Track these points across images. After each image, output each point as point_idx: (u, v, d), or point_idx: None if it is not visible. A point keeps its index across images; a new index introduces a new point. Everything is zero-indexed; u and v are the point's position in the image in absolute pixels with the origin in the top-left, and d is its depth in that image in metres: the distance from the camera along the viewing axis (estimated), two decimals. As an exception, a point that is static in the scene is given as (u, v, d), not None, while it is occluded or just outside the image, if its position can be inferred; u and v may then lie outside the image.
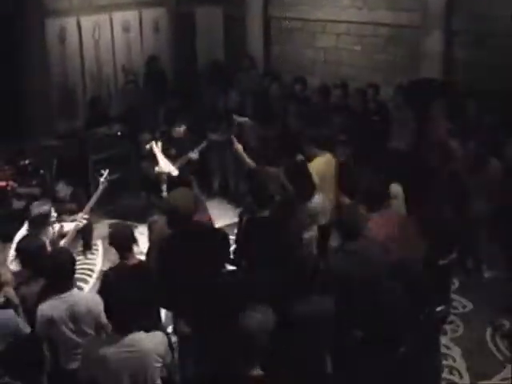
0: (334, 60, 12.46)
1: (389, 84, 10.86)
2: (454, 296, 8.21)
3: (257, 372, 3.87)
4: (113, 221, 9.11)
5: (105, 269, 6.06)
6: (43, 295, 5.07)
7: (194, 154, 9.28)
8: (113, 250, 5.85)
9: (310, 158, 7.70)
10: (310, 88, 11.47)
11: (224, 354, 5.18)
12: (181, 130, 9.26)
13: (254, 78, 12.23)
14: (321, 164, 7.69)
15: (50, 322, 4.90)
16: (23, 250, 5.61)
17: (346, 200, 7.63)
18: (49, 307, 4.95)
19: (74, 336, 4.95)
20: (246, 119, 10.41)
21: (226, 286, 5.25)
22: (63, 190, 8.84)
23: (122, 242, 5.69)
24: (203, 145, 9.55)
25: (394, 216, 6.34)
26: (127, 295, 4.26)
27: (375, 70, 11.69)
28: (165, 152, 8.98)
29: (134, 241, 5.81)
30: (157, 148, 8.90)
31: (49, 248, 5.88)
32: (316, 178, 7.13)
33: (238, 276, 5.62)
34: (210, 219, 7.32)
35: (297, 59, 12.90)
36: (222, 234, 5.81)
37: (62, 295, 4.97)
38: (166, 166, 8.77)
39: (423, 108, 9.90)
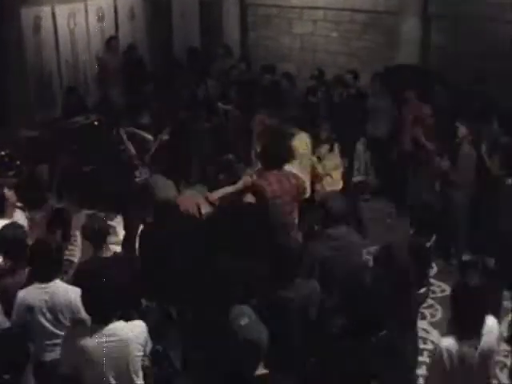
0: (310, 47, 12.48)
1: (366, 71, 10.89)
2: (432, 280, 8.28)
3: (260, 371, 3.87)
4: (91, 211, 9.06)
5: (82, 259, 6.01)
6: (27, 285, 5.03)
7: (164, 135, 9.29)
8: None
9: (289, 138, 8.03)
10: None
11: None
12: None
13: (229, 66, 12.18)
14: (301, 143, 8.17)
15: (29, 309, 4.88)
16: (3, 238, 5.55)
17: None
18: (28, 295, 4.92)
19: (51, 327, 4.92)
20: (231, 107, 10.44)
21: (213, 273, 5.24)
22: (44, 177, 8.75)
23: (95, 234, 5.67)
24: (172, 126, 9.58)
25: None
26: (102, 286, 4.22)
27: (352, 57, 11.75)
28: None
29: (109, 232, 5.79)
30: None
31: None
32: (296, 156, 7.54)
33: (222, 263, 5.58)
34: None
35: (273, 46, 12.90)
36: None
37: (43, 284, 4.94)
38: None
39: (400, 94, 9.97)
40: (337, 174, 8.54)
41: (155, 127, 9.51)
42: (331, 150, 8.56)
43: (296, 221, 6.86)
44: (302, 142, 8.32)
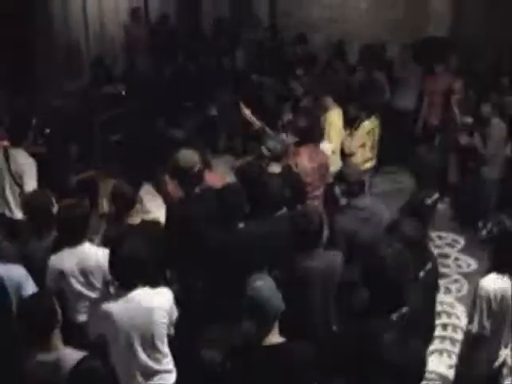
0: (340, 17, 12.33)
1: (395, 42, 10.76)
2: (458, 255, 8.25)
3: (275, 339, 3.89)
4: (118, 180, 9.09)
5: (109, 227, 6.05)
6: (54, 249, 5.07)
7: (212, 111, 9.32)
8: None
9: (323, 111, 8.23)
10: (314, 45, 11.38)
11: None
12: None
13: (259, 37, 12.10)
14: (335, 116, 8.22)
15: (61, 274, 4.92)
16: (31, 203, 5.60)
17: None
18: (60, 259, 4.96)
19: (83, 289, 4.97)
20: (266, 78, 10.41)
21: (237, 241, 5.25)
22: (73, 147, 8.78)
23: (123, 201, 5.70)
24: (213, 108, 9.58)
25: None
26: (129, 253, 4.28)
27: (381, 28, 11.58)
28: None
29: (136, 200, 5.80)
30: None
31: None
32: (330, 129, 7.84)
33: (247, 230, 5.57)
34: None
35: (302, 16, 12.76)
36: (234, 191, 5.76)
37: (73, 248, 4.98)
38: None
39: (430, 67, 9.86)
40: (364, 152, 8.42)
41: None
42: (358, 127, 8.42)
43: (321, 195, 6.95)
44: (335, 116, 8.28)
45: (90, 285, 4.99)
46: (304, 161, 6.87)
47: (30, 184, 6.54)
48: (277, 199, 5.61)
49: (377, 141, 8.54)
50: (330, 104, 8.33)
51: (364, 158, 8.31)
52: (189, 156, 5.81)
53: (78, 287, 4.97)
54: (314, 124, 7.51)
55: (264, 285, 3.89)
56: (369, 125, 8.35)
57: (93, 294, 4.97)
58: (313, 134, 7.25)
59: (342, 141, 8.24)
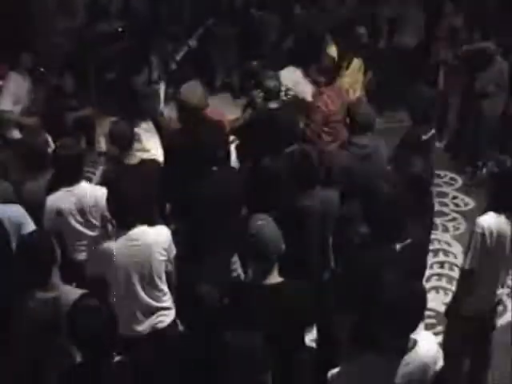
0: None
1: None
2: (456, 194, 8.27)
3: (275, 279, 3.90)
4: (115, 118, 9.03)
5: (107, 166, 6.03)
6: (51, 189, 5.07)
7: (192, 42, 9.14)
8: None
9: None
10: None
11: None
12: None
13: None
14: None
15: (59, 213, 4.92)
16: (25, 146, 5.57)
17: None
18: (57, 199, 4.95)
19: (81, 228, 4.99)
20: (266, 13, 10.31)
21: (232, 180, 5.24)
22: (69, 84, 8.68)
23: (121, 138, 5.65)
24: (200, 31, 9.39)
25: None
26: (126, 191, 4.27)
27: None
28: None
29: (134, 138, 5.76)
30: None
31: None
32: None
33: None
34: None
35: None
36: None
37: (71, 187, 4.96)
38: None
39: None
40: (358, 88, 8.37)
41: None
42: (349, 65, 8.32)
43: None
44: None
45: (88, 223, 5.00)
46: (333, 99, 6.85)
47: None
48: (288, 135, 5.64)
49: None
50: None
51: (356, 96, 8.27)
52: (191, 91, 5.75)
53: (77, 226, 4.98)
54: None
55: (266, 225, 3.89)
56: (358, 62, 8.34)
57: (91, 233, 4.98)
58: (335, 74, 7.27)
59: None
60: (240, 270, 5.36)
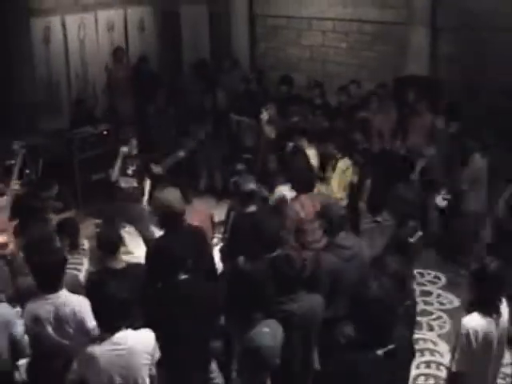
0: (319, 57, 12.50)
1: (375, 81, 10.90)
2: (440, 292, 8.25)
3: None
4: (99, 220, 9.06)
5: (91, 269, 6.01)
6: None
7: (181, 153, 9.29)
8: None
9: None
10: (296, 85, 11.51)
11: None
12: None
13: (235, 78, 12.23)
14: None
15: (36, 320, 4.90)
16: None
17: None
18: (35, 306, 4.93)
19: (56, 336, 4.91)
20: (245, 118, 10.48)
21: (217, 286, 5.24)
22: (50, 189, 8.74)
23: (108, 243, 5.65)
24: (192, 143, 9.58)
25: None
26: (113, 295, 4.26)
27: (361, 67, 11.76)
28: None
29: (122, 242, 5.78)
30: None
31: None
32: None
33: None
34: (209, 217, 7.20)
35: (282, 57, 12.94)
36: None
37: (48, 296, 4.94)
38: None
39: (410, 106, 10.00)
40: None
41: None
42: (335, 166, 8.41)
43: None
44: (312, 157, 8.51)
45: (64, 333, 4.92)
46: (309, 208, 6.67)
47: None
48: (272, 241, 5.64)
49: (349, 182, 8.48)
50: (305, 145, 8.59)
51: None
52: (170, 196, 5.81)
53: (51, 333, 4.91)
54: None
55: (269, 332, 3.88)
56: (343, 164, 8.40)
57: (66, 342, 4.90)
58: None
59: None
60: (219, 380, 5.29)
